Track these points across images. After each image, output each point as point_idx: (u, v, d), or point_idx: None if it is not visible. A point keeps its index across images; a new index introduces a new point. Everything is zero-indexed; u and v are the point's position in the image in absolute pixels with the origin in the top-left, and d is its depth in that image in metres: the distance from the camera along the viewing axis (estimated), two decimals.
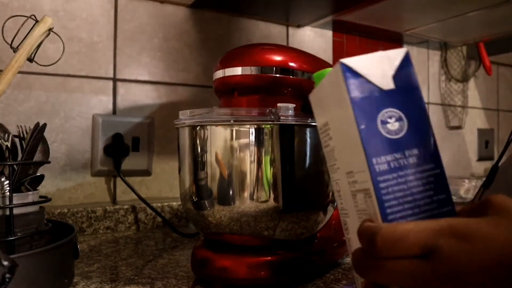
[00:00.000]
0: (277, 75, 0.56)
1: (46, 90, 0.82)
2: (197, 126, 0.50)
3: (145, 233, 0.83)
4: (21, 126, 0.55)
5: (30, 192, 0.50)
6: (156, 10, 0.93)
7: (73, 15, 0.84)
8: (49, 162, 0.55)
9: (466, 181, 1.29)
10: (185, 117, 0.52)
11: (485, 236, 0.28)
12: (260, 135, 0.48)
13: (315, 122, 0.50)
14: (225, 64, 0.57)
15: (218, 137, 0.49)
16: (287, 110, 0.49)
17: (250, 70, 0.55)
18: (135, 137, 0.89)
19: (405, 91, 0.32)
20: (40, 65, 0.56)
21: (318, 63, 0.63)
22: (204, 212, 0.51)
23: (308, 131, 0.50)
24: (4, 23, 0.56)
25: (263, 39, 1.05)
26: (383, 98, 0.32)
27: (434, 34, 1.26)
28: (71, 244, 0.51)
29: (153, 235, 0.81)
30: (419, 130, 0.32)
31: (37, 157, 0.53)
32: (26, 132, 0.54)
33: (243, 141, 0.48)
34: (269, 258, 0.50)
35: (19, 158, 0.51)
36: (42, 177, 0.53)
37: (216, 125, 0.49)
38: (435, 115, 1.46)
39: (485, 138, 1.63)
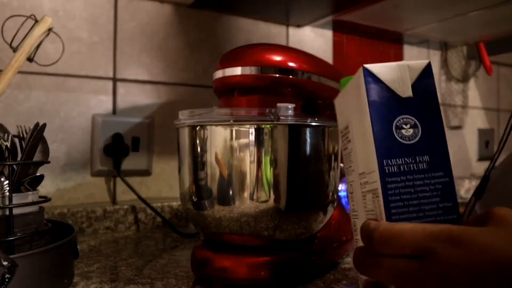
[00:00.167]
0: (277, 75, 0.56)
1: (46, 90, 0.82)
2: (197, 126, 0.50)
3: (145, 233, 0.83)
4: (20, 126, 0.55)
5: (29, 192, 0.50)
6: (156, 10, 0.93)
7: (73, 15, 0.84)
8: (48, 162, 0.55)
9: (467, 181, 1.29)
10: (185, 117, 0.52)
11: (481, 244, 0.28)
12: (260, 135, 0.48)
13: (314, 122, 0.50)
14: (225, 64, 0.57)
15: (218, 137, 0.49)
16: (286, 110, 0.49)
17: (250, 70, 0.55)
18: (135, 137, 0.88)
19: (422, 100, 0.34)
20: (40, 65, 0.56)
21: (318, 63, 0.63)
22: (204, 212, 0.51)
23: (308, 131, 0.50)
24: (4, 23, 0.56)
25: (263, 39, 1.05)
26: (401, 104, 0.33)
27: (434, 34, 1.26)
28: (71, 244, 0.51)
29: (153, 235, 0.81)
30: (433, 138, 0.33)
31: (37, 157, 0.53)
32: (26, 132, 0.53)
33: (243, 141, 0.48)
34: (269, 258, 0.50)
35: (18, 158, 0.51)
36: (42, 177, 0.53)
37: (216, 125, 0.49)
38: None
39: (486, 138, 1.63)
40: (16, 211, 0.47)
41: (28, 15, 0.56)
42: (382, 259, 0.31)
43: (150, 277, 0.55)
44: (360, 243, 0.35)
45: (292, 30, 1.11)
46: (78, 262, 0.60)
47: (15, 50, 0.54)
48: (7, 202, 0.46)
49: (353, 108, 0.36)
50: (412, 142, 0.33)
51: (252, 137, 0.48)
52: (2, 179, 0.48)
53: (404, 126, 0.33)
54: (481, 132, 1.61)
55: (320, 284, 0.52)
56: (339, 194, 0.63)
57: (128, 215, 0.85)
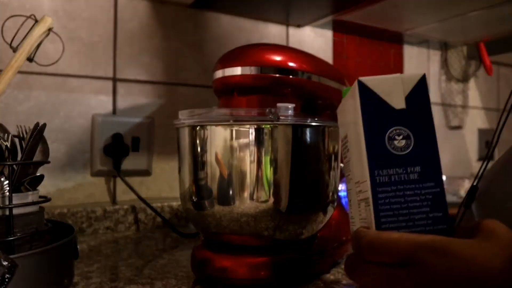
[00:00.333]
0: (277, 75, 0.56)
1: (46, 90, 0.82)
2: (197, 126, 0.50)
3: (145, 233, 0.83)
4: (20, 126, 0.54)
5: (29, 192, 0.50)
6: (156, 10, 0.93)
7: (73, 15, 0.84)
8: (48, 162, 0.54)
9: (466, 181, 1.29)
10: (184, 117, 0.52)
11: (465, 255, 0.29)
12: (260, 135, 0.48)
13: (314, 122, 0.50)
14: (225, 64, 0.57)
15: (218, 137, 0.49)
16: (286, 110, 0.49)
17: (249, 70, 0.55)
18: (135, 137, 0.88)
19: (416, 112, 0.35)
20: (40, 65, 0.56)
21: (318, 63, 0.63)
22: (204, 212, 0.51)
23: (307, 131, 0.50)
24: (4, 23, 0.56)
25: (263, 39, 1.05)
26: (394, 116, 0.34)
27: (434, 34, 1.26)
28: (71, 244, 0.51)
29: (153, 235, 0.81)
30: (425, 149, 0.34)
31: (37, 157, 0.53)
32: (26, 132, 0.53)
33: (243, 141, 0.48)
34: (269, 258, 0.50)
35: (18, 158, 0.51)
36: (42, 177, 0.53)
37: (216, 125, 0.49)
38: (435, 115, 1.45)
39: (486, 138, 1.63)
40: (16, 211, 0.47)
41: (28, 15, 0.56)
42: (368, 266, 0.32)
43: (150, 277, 0.55)
44: None
45: (292, 30, 1.11)
46: (78, 262, 0.59)
47: (15, 50, 0.54)
48: (7, 202, 0.46)
49: (350, 119, 0.37)
50: (404, 153, 0.34)
51: (252, 137, 0.48)
52: (2, 179, 0.48)
53: (396, 137, 0.34)
54: (481, 132, 1.61)
55: (320, 284, 0.52)
56: (339, 194, 0.63)
57: (128, 215, 0.85)
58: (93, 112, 0.86)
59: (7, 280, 0.36)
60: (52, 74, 0.82)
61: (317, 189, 0.52)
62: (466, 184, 1.26)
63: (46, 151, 0.55)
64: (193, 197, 0.52)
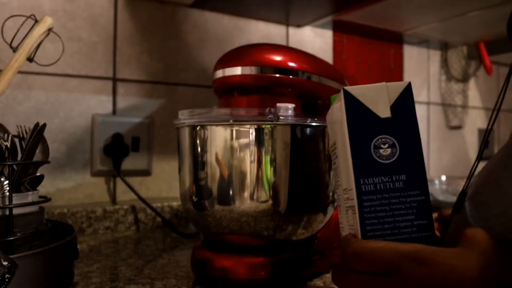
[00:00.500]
0: (277, 75, 0.56)
1: (46, 90, 0.82)
2: (197, 126, 0.50)
3: (145, 233, 0.83)
4: (20, 126, 0.54)
5: (29, 192, 0.50)
6: (156, 10, 0.93)
7: (73, 15, 0.84)
8: (48, 162, 0.55)
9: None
10: (184, 117, 0.52)
11: (446, 265, 0.29)
12: (260, 135, 0.48)
13: (314, 122, 0.50)
14: (225, 64, 0.57)
15: (218, 137, 0.49)
16: (286, 110, 0.49)
17: (250, 70, 0.55)
18: (135, 137, 0.88)
19: (401, 121, 0.35)
20: (40, 65, 0.56)
21: (318, 63, 0.63)
22: (204, 212, 0.51)
23: (307, 131, 0.50)
24: (4, 23, 0.56)
25: (263, 39, 1.05)
26: (379, 125, 0.35)
27: (434, 34, 1.26)
28: (71, 244, 0.51)
29: (153, 235, 0.81)
30: (410, 158, 0.34)
31: (37, 157, 0.53)
32: (26, 132, 0.53)
33: (243, 141, 0.48)
34: (269, 258, 0.50)
35: (18, 158, 0.51)
36: (41, 177, 0.53)
37: (216, 125, 0.49)
38: (435, 115, 1.46)
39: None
40: (16, 211, 0.47)
41: (28, 15, 0.56)
42: (353, 274, 0.33)
43: (150, 277, 0.55)
44: None
45: (292, 30, 1.11)
46: (78, 262, 0.59)
47: (15, 50, 0.54)
48: (7, 202, 0.46)
49: (338, 126, 0.38)
50: (390, 161, 0.34)
51: (252, 137, 0.48)
52: (2, 179, 0.48)
53: (382, 145, 0.34)
54: (481, 132, 1.61)
55: (320, 284, 0.52)
56: None
57: (128, 215, 0.85)
58: (93, 112, 0.86)
59: (7, 280, 0.36)
60: (52, 74, 0.82)
61: (317, 189, 0.52)
62: None
63: (46, 151, 0.55)
64: (193, 197, 0.52)
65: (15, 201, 0.47)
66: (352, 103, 0.35)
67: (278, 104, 0.49)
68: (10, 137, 0.50)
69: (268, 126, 0.48)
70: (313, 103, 0.60)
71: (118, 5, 0.89)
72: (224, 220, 0.50)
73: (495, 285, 0.29)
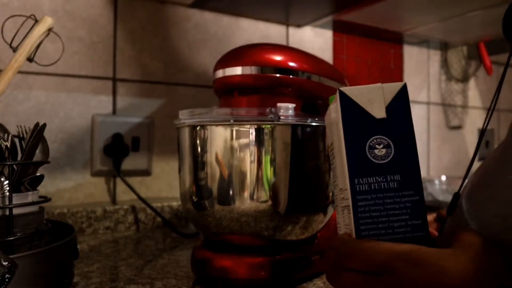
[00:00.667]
0: (277, 75, 0.56)
1: (46, 90, 0.82)
2: (197, 126, 0.50)
3: (145, 233, 0.83)
4: (20, 126, 0.54)
5: (29, 192, 0.50)
6: (156, 10, 0.93)
7: (73, 15, 0.84)
8: (49, 162, 0.54)
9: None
10: (185, 117, 0.52)
11: (439, 266, 0.30)
12: (260, 135, 0.48)
13: (315, 122, 0.50)
14: (225, 64, 0.57)
15: (218, 137, 0.49)
16: (287, 110, 0.49)
17: (250, 70, 0.55)
18: (135, 137, 0.88)
19: (396, 121, 0.35)
20: (40, 65, 0.56)
21: (318, 63, 0.63)
22: (204, 212, 0.51)
23: (308, 131, 0.50)
24: (4, 23, 0.56)
25: (263, 39, 1.05)
26: (375, 125, 0.35)
27: (434, 34, 1.26)
28: (71, 244, 0.51)
29: (153, 235, 0.81)
30: (405, 158, 0.35)
31: (37, 157, 0.53)
32: (26, 132, 0.53)
33: (243, 141, 0.48)
34: (269, 258, 0.50)
35: (18, 158, 0.51)
36: (41, 177, 0.53)
37: (216, 125, 0.49)
38: (435, 115, 1.46)
39: (486, 138, 1.63)
40: (16, 211, 0.47)
41: (28, 15, 0.56)
42: (347, 273, 0.33)
43: (150, 277, 0.55)
44: None
45: (292, 30, 1.11)
46: (78, 262, 0.59)
47: (15, 50, 0.54)
48: (7, 202, 0.46)
49: (334, 127, 0.38)
50: (385, 161, 0.34)
51: (252, 137, 0.48)
52: (2, 179, 0.48)
53: (377, 146, 0.35)
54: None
55: (320, 284, 0.52)
56: None
57: (128, 215, 0.85)
58: (93, 112, 0.86)
59: (7, 280, 0.36)
60: (52, 74, 0.82)
61: (317, 189, 0.52)
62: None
63: (46, 151, 0.55)
64: (193, 197, 0.52)
65: (15, 201, 0.47)
66: (348, 104, 0.35)
67: (278, 104, 0.49)
68: (10, 137, 0.50)
69: (269, 126, 0.48)
70: (313, 103, 0.60)
71: (118, 5, 0.89)
72: (224, 220, 0.50)
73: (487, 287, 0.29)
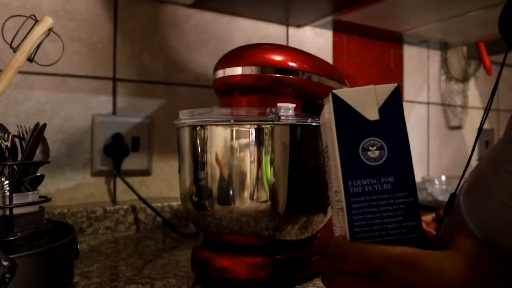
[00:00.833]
0: (277, 75, 0.56)
1: (46, 90, 0.82)
2: (197, 126, 0.50)
3: (145, 233, 0.83)
4: (21, 126, 0.54)
5: (30, 192, 0.50)
6: (156, 10, 0.93)
7: (73, 15, 0.84)
8: (49, 162, 0.55)
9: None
10: (185, 117, 0.52)
11: (434, 269, 0.29)
12: (260, 135, 0.48)
13: (315, 122, 0.50)
14: (225, 64, 0.57)
15: (218, 137, 0.49)
16: (287, 110, 0.49)
17: (250, 70, 0.55)
18: (135, 137, 0.88)
19: (390, 123, 0.35)
20: (40, 65, 0.56)
21: (318, 63, 0.63)
22: (204, 212, 0.51)
23: (308, 131, 0.50)
24: (4, 23, 0.56)
25: (263, 39, 1.05)
26: (368, 127, 0.35)
27: (434, 34, 1.26)
28: (71, 244, 0.51)
29: (153, 235, 0.81)
30: (399, 159, 0.34)
31: (37, 157, 0.53)
32: (26, 132, 0.53)
33: (243, 141, 0.48)
34: (269, 258, 0.50)
35: (19, 158, 0.51)
36: (42, 177, 0.53)
37: (216, 125, 0.49)
38: (435, 115, 1.46)
39: (486, 138, 1.63)
40: (16, 211, 0.47)
41: (28, 15, 0.56)
42: (339, 274, 0.33)
43: (150, 277, 0.55)
44: None
45: (292, 30, 1.11)
46: (78, 262, 0.60)
47: (15, 50, 0.54)
48: (7, 202, 0.46)
49: (328, 129, 0.38)
50: (378, 163, 0.34)
51: (252, 137, 0.48)
52: (3, 179, 0.48)
53: (370, 148, 0.34)
54: (481, 132, 1.61)
55: (320, 284, 0.52)
56: None
57: (128, 215, 0.85)
58: (93, 112, 0.86)
59: (7, 280, 0.36)
60: (52, 74, 0.82)
61: (317, 189, 0.52)
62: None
63: (46, 151, 0.55)
64: (193, 197, 0.52)
65: (15, 201, 0.47)
66: (340, 106, 0.35)
67: (279, 104, 0.49)
68: (10, 137, 0.50)
69: (269, 126, 0.48)
70: (313, 103, 0.60)
71: (118, 5, 0.89)
72: (224, 220, 0.50)
73: None
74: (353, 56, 1.23)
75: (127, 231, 0.84)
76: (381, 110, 0.35)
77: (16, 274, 0.37)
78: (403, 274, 0.30)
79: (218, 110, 0.51)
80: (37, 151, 0.53)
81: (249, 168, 0.48)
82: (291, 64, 0.56)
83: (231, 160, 0.49)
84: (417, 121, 1.41)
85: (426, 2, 0.97)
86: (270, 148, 0.48)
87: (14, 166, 0.50)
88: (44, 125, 0.52)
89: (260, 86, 0.56)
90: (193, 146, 0.51)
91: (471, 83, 1.57)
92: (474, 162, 1.65)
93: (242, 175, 0.48)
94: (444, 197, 1.20)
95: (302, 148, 0.50)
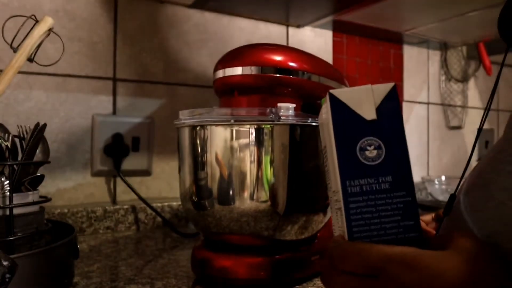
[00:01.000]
0: (277, 75, 0.56)
1: (46, 90, 0.82)
2: (197, 126, 0.50)
3: (145, 233, 0.83)
4: (21, 126, 0.55)
5: (30, 192, 0.50)
6: (156, 10, 0.93)
7: (73, 15, 0.84)
8: (49, 162, 0.55)
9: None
10: (185, 117, 0.52)
11: (433, 269, 0.29)
12: (260, 135, 0.48)
13: (315, 122, 0.50)
14: (225, 64, 0.57)
15: (218, 137, 0.49)
16: (287, 110, 0.49)
17: (250, 70, 0.55)
18: (135, 137, 0.89)
19: (387, 122, 0.35)
20: (40, 65, 0.56)
21: (318, 63, 0.63)
22: (204, 212, 0.51)
23: (308, 131, 0.50)
24: (4, 23, 0.56)
25: (263, 39, 1.05)
26: (365, 127, 0.35)
27: (434, 34, 1.26)
28: (71, 244, 0.51)
29: (153, 235, 0.81)
30: (396, 159, 0.34)
31: (37, 157, 0.53)
32: (26, 132, 0.54)
33: (243, 141, 0.48)
34: (269, 258, 0.50)
35: (19, 158, 0.51)
36: (42, 177, 0.53)
37: (216, 125, 0.49)
38: (435, 115, 1.46)
39: (485, 138, 1.63)
40: (16, 211, 0.47)
41: (28, 15, 0.56)
42: (338, 274, 0.33)
43: (150, 277, 0.55)
44: None
45: (292, 30, 1.11)
46: (78, 262, 0.60)
47: (15, 50, 0.54)
48: (7, 202, 0.46)
49: (326, 129, 0.38)
50: (376, 163, 0.34)
51: (252, 137, 0.48)
52: (3, 179, 0.48)
53: (368, 147, 0.34)
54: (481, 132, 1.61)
55: (320, 284, 0.52)
56: None
57: (128, 215, 0.85)
58: (93, 112, 0.86)
59: (7, 280, 0.36)
60: (52, 74, 0.82)
61: (317, 189, 0.53)
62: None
63: (46, 151, 0.55)
64: (193, 197, 0.52)
65: (16, 201, 0.47)
66: (338, 106, 0.35)
67: (279, 104, 0.49)
68: (10, 137, 0.50)
69: (269, 126, 0.48)
70: (313, 103, 0.61)
71: (118, 5, 0.89)
72: (224, 220, 0.50)
73: None
74: (353, 56, 1.23)
75: (127, 231, 0.84)
76: (379, 110, 0.35)
77: (16, 274, 0.37)
78: (402, 274, 0.30)
79: (218, 110, 0.51)
80: (37, 151, 0.53)
81: (249, 168, 0.48)
82: (291, 64, 0.57)
83: (231, 160, 0.49)
84: (417, 121, 1.41)
85: (426, 2, 0.97)
86: (270, 148, 0.48)
87: (14, 166, 0.50)
88: (44, 125, 0.52)
89: (260, 86, 0.56)
90: (193, 146, 0.51)
91: (471, 83, 1.57)
92: (473, 162, 1.64)
93: (242, 175, 0.48)
94: (444, 197, 1.20)
95: (302, 148, 0.50)
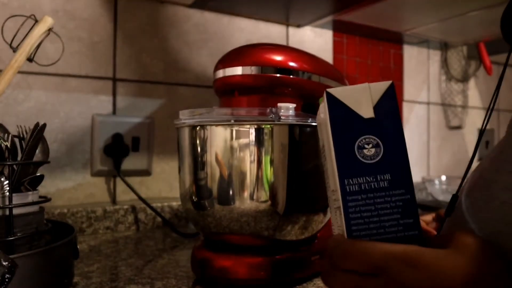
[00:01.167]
0: (277, 75, 0.56)
1: (46, 90, 0.82)
2: (197, 126, 0.50)
3: (145, 233, 0.83)
4: (20, 126, 0.54)
5: (29, 192, 0.50)
6: (156, 10, 0.93)
7: (73, 15, 0.84)
8: (48, 162, 0.54)
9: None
10: (185, 117, 0.52)
11: (435, 267, 0.29)
12: (260, 135, 0.48)
13: (315, 122, 0.50)
14: (225, 64, 0.57)
15: (218, 137, 0.49)
16: (287, 110, 0.49)
17: (250, 70, 0.55)
18: (135, 137, 0.88)
19: (385, 120, 0.35)
20: (40, 65, 0.56)
21: (318, 63, 0.63)
22: (204, 212, 0.51)
23: (309, 131, 0.50)
24: (4, 23, 0.56)
25: (263, 39, 1.05)
26: (363, 125, 0.35)
27: (434, 34, 1.26)
28: (71, 244, 0.51)
29: (153, 235, 0.81)
30: (395, 157, 0.34)
31: (37, 157, 0.53)
32: (26, 132, 0.53)
33: (243, 141, 0.48)
34: (269, 258, 0.50)
35: (19, 158, 0.51)
36: (42, 177, 0.53)
37: (216, 125, 0.49)
38: (435, 115, 1.46)
39: (486, 138, 1.63)
40: (16, 211, 0.47)
41: (28, 15, 0.56)
42: (339, 273, 0.33)
43: (150, 277, 0.55)
44: None
45: (292, 30, 1.11)
46: (78, 262, 0.60)
47: (15, 50, 0.54)
48: (7, 202, 0.46)
49: (324, 128, 0.38)
50: (374, 161, 0.34)
51: (252, 137, 0.48)
52: (2, 179, 0.48)
53: (366, 146, 0.34)
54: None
55: (320, 284, 0.52)
56: None
57: (128, 215, 0.85)
58: (93, 112, 0.86)
59: (7, 280, 0.36)
60: (52, 74, 0.82)
61: (317, 190, 0.52)
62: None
63: (46, 151, 0.55)
64: (193, 197, 0.52)
65: (15, 201, 0.47)
66: (335, 105, 0.35)
67: (279, 104, 0.49)
68: (10, 137, 0.50)
69: (269, 126, 0.48)
70: (313, 103, 0.60)
71: (118, 5, 0.89)
72: (224, 220, 0.50)
73: None
74: (353, 56, 1.23)
75: (127, 231, 0.84)
76: (376, 108, 0.35)
77: (16, 274, 0.37)
78: (404, 273, 0.30)
79: (218, 110, 0.51)
80: (37, 151, 0.53)
81: (249, 168, 0.48)
82: (291, 64, 0.57)
83: (231, 160, 0.49)
84: (417, 121, 1.41)
85: (426, 2, 0.97)
86: (270, 148, 0.48)
87: (14, 166, 0.50)
88: (44, 125, 0.52)
89: (260, 86, 0.56)
90: (193, 146, 0.51)
91: (471, 83, 1.57)
92: (474, 163, 1.64)
93: (242, 175, 0.48)
94: (444, 197, 1.20)
95: (302, 148, 0.50)
